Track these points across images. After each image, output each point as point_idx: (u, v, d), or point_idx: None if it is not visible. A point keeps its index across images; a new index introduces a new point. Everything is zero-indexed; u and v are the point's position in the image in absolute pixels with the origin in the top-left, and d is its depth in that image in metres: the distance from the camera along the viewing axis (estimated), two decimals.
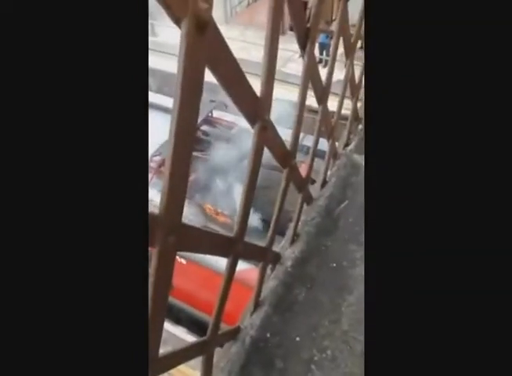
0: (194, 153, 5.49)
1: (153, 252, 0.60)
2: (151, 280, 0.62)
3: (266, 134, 0.84)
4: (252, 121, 0.78)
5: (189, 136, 0.56)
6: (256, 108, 0.77)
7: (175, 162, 0.55)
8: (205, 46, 0.51)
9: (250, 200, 0.91)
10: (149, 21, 11.10)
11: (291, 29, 0.92)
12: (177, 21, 0.46)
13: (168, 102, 7.06)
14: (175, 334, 4.85)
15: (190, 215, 4.92)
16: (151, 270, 0.62)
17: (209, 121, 6.35)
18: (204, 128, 6.21)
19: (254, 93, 0.73)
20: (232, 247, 0.93)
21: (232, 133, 6.11)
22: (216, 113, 6.38)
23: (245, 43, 9.34)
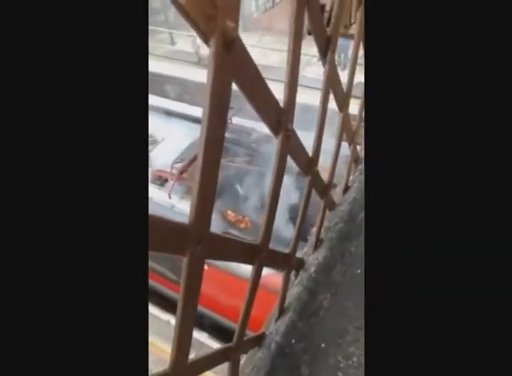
0: None
1: (183, 262, 0.62)
2: (181, 288, 0.64)
3: (289, 143, 0.85)
4: (276, 131, 0.79)
5: (218, 149, 0.58)
6: (279, 118, 0.78)
7: (205, 174, 0.57)
8: (232, 63, 0.53)
9: (274, 207, 0.92)
10: (168, 30, 11.32)
11: (309, 33, 0.93)
12: (206, 40, 0.48)
13: (188, 109, 7.19)
14: (198, 340, 4.89)
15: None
16: (181, 279, 0.63)
17: (228, 127, 6.41)
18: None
19: (277, 104, 0.75)
20: (257, 254, 0.94)
21: (251, 139, 6.15)
22: (235, 120, 6.44)
23: (264, 49, 9.40)
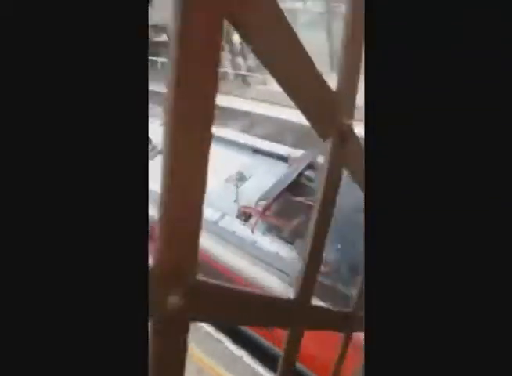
0: (299, 199, 5.63)
1: (285, 333, 0.64)
2: (281, 359, 0.67)
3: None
4: None
5: (326, 226, 0.61)
6: None
7: (312, 256, 0.60)
8: (345, 154, 0.57)
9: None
10: (253, 74, 11.95)
11: None
12: (324, 137, 0.53)
13: (274, 147, 7.37)
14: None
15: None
16: (282, 351, 0.66)
17: (314, 166, 6.44)
18: (308, 173, 6.31)
19: None
20: (348, 321, 0.93)
21: None
22: (321, 159, 6.45)
23: None
